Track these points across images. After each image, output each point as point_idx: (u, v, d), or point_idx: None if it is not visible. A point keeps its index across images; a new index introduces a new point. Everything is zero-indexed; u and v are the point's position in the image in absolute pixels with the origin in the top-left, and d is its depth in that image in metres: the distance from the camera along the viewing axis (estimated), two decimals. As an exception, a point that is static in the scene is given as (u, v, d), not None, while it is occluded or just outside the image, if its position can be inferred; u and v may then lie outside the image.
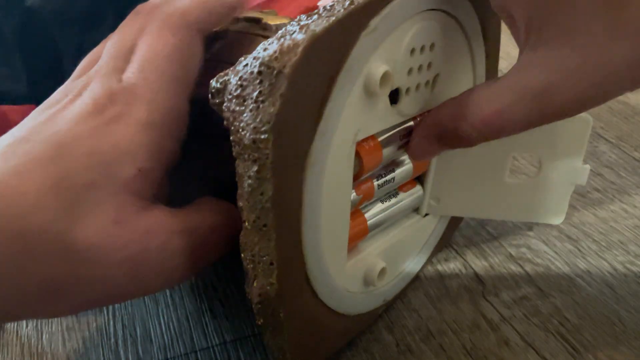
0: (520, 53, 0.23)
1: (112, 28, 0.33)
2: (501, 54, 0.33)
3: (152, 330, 0.31)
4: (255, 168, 0.21)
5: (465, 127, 0.24)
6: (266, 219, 0.21)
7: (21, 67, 0.33)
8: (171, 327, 0.31)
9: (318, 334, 0.27)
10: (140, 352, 0.30)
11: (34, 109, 0.33)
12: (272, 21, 0.31)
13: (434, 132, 0.26)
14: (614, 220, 0.38)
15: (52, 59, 0.33)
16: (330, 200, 0.24)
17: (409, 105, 0.26)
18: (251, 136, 0.20)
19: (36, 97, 0.33)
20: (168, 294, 0.33)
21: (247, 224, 0.22)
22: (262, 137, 0.20)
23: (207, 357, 0.29)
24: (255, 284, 0.23)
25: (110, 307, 0.33)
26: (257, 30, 0.31)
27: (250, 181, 0.21)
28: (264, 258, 0.22)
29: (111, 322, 0.32)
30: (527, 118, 0.23)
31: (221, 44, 0.31)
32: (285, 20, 0.31)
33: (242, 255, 0.24)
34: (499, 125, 0.23)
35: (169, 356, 0.29)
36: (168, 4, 0.25)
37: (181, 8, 0.25)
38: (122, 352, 0.29)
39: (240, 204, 0.22)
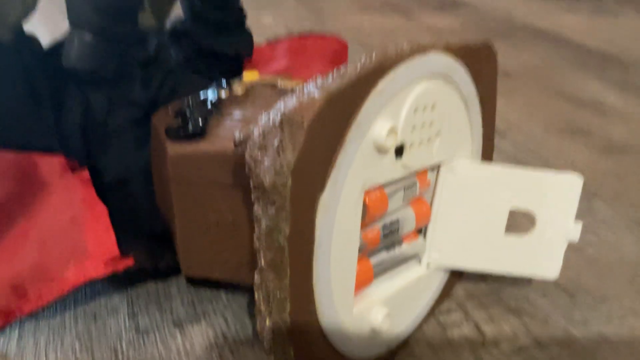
0: None
1: (140, 84, 0.36)
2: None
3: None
4: (273, 210, 0.23)
5: None
6: (282, 257, 0.23)
7: (53, 122, 0.36)
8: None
9: (325, 375, 0.28)
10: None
11: (63, 159, 0.36)
12: (287, 85, 0.34)
13: None
14: (610, 273, 0.39)
15: (83, 113, 0.36)
16: (339, 242, 0.26)
17: (412, 159, 0.29)
18: (271, 180, 0.23)
19: (66, 149, 0.35)
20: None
21: (263, 263, 0.24)
22: (281, 181, 0.22)
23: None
24: (267, 322, 0.25)
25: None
26: (274, 93, 0.35)
27: (268, 222, 0.23)
28: (278, 296, 0.24)
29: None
30: None
31: (240, 104, 0.34)
32: (299, 84, 0.34)
33: (256, 295, 0.25)
34: None
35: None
36: None
37: None
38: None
39: (257, 244, 0.24)
